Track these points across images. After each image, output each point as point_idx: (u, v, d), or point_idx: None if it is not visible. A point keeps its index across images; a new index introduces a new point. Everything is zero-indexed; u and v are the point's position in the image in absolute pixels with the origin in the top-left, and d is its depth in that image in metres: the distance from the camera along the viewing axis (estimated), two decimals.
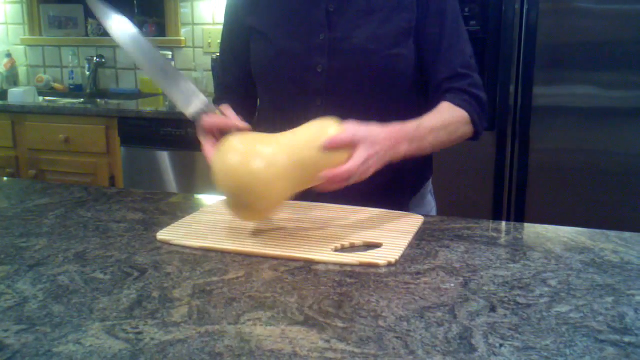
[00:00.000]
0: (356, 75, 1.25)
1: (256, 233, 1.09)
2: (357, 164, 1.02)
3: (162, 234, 1.09)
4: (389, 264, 0.96)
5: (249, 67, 1.35)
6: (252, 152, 1.03)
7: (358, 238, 1.07)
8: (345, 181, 1.02)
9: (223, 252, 1.01)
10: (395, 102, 1.29)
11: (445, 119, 1.20)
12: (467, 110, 1.22)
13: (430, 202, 1.41)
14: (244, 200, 1.04)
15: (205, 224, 1.14)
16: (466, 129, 1.24)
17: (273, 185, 1.02)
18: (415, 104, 1.33)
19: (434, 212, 1.41)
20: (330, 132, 1.04)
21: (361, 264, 0.96)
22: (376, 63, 1.24)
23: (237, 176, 1.02)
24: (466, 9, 2.40)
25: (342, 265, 0.96)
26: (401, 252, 1.01)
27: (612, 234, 1.12)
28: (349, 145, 1.04)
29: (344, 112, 1.25)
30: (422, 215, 1.21)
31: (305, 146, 1.03)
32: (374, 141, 1.05)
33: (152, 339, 0.72)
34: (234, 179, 1.03)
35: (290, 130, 1.07)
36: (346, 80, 1.25)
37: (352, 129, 1.05)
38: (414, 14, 1.25)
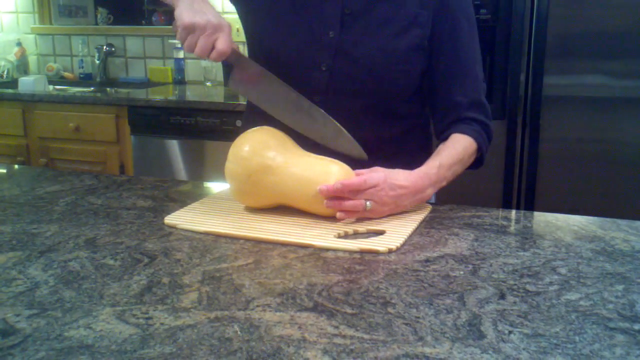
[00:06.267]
0: (359, 80, 1.23)
1: (261, 219, 1.10)
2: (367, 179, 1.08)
3: (170, 219, 1.10)
4: (390, 251, 0.96)
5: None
6: (261, 155, 1.10)
7: (362, 225, 1.07)
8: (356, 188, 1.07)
9: (232, 239, 1.02)
10: (394, 108, 1.29)
11: (460, 152, 1.23)
12: (477, 141, 1.26)
13: None
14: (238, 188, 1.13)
15: (213, 210, 1.15)
16: (473, 157, 1.28)
17: (257, 190, 1.11)
18: (415, 109, 1.32)
19: (432, 200, 1.41)
20: (332, 175, 1.08)
21: (362, 251, 0.96)
22: (382, 75, 1.23)
23: (238, 166, 1.10)
24: None
25: (351, 252, 0.96)
26: (403, 239, 1.00)
27: (623, 222, 1.11)
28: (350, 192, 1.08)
29: (343, 112, 1.24)
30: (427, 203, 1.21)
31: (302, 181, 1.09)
32: (391, 186, 1.10)
33: (162, 324, 0.73)
34: (236, 165, 1.11)
35: (308, 154, 1.13)
36: (349, 83, 1.24)
37: (360, 177, 1.09)
38: (427, 30, 1.24)
